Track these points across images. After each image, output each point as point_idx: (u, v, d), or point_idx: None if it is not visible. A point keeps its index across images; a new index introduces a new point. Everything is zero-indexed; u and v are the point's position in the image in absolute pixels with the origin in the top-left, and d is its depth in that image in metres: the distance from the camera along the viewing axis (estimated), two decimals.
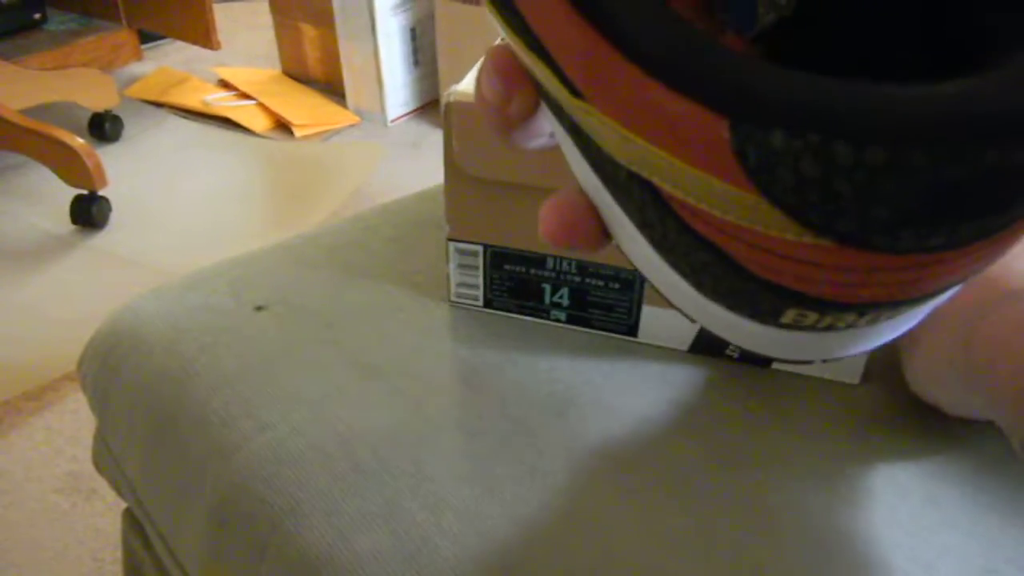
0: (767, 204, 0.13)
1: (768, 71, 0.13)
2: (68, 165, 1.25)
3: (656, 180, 0.14)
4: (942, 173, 0.12)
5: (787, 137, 0.12)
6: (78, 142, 1.24)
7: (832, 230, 0.13)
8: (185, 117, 1.62)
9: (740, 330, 0.16)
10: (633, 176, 0.15)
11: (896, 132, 0.12)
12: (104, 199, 1.28)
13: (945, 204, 0.12)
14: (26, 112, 1.33)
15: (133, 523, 0.48)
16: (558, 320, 0.43)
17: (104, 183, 1.27)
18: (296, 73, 1.77)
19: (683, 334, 0.41)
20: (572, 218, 0.18)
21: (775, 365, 0.41)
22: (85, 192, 1.27)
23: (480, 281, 0.43)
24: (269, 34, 1.83)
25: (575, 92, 0.15)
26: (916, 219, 0.12)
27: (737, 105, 0.13)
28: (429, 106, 1.68)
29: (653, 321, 0.41)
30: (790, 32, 0.18)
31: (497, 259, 0.42)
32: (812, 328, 0.15)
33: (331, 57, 1.67)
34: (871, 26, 0.17)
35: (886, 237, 0.13)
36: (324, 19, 1.64)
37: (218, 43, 1.61)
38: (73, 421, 0.93)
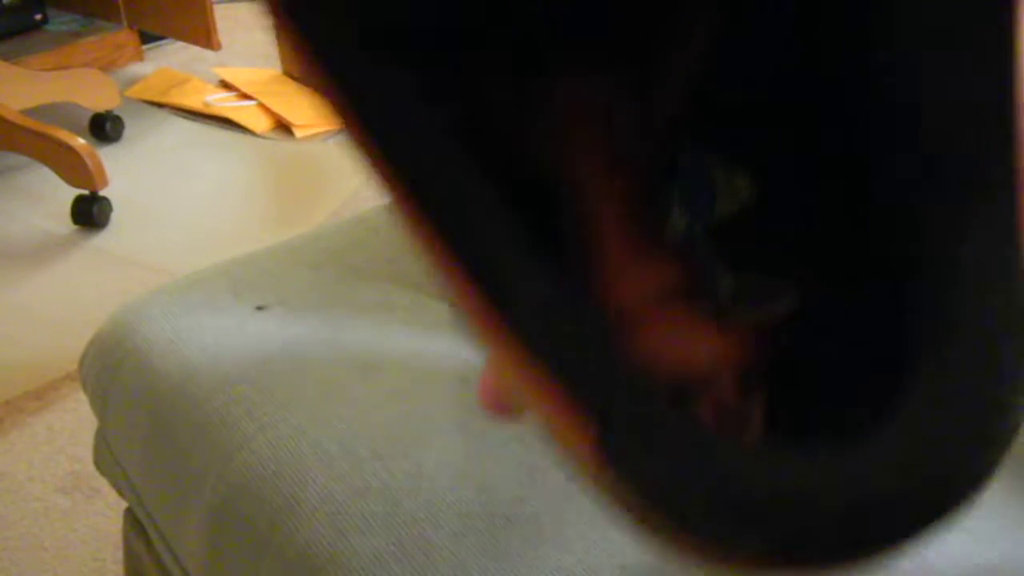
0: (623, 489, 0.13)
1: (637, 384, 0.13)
2: (69, 165, 1.25)
3: None
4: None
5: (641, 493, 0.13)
6: (79, 142, 1.25)
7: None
8: (186, 117, 1.62)
9: None
10: None
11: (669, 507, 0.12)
12: (105, 199, 1.29)
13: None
14: (27, 112, 1.33)
15: (134, 522, 0.48)
16: None
17: (105, 183, 1.27)
18: (297, 73, 1.77)
19: None
20: (500, 398, 0.19)
21: None
22: (86, 192, 1.27)
23: None
24: (269, 35, 1.83)
25: None
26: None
27: (600, 417, 0.13)
28: None
29: None
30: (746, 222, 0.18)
31: None
32: None
33: None
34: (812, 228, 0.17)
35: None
36: None
37: (219, 44, 1.61)
38: (74, 421, 0.93)
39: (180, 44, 1.88)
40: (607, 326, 0.14)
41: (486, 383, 0.18)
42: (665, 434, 0.13)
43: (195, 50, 1.87)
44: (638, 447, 0.13)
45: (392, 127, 0.14)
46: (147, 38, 1.82)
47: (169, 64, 1.83)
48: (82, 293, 1.15)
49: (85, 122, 1.52)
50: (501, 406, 0.18)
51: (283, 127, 1.60)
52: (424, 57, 0.15)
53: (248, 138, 1.55)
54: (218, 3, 1.67)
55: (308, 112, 1.63)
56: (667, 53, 0.18)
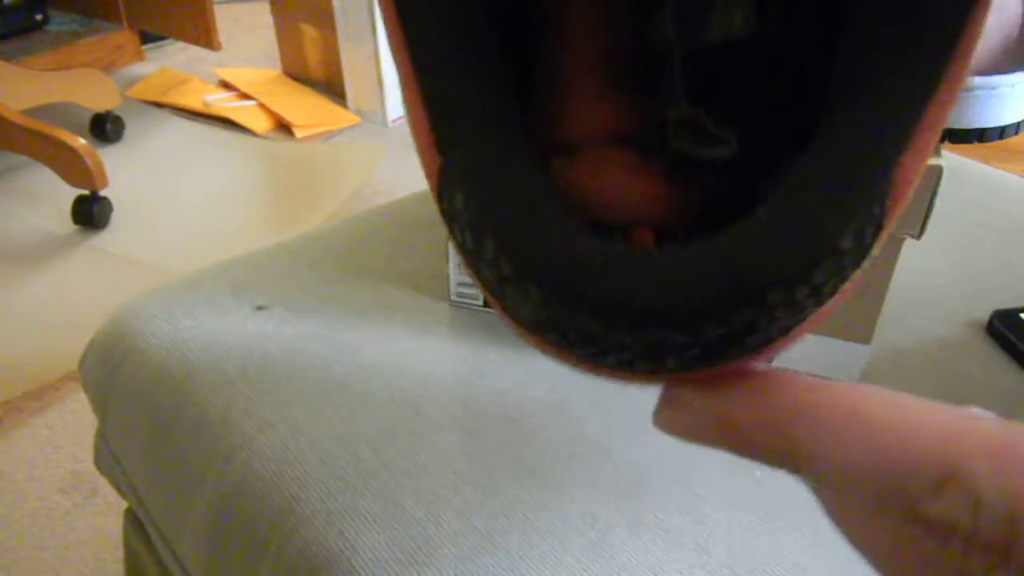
0: (451, 239, 0.14)
1: (505, 145, 0.14)
2: (69, 165, 1.26)
3: None
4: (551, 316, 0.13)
5: (463, 207, 0.13)
6: (79, 143, 1.25)
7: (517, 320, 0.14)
8: (186, 118, 1.62)
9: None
10: None
11: (523, 267, 0.13)
12: (105, 199, 1.29)
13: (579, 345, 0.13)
14: (28, 113, 1.33)
15: (134, 522, 0.48)
16: None
17: (105, 183, 1.27)
18: (297, 73, 1.77)
19: None
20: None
21: (775, 362, 0.41)
22: (86, 192, 1.27)
23: None
24: (270, 35, 1.83)
25: None
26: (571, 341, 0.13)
27: (448, 147, 0.14)
28: None
29: None
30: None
31: None
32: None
33: (332, 57, 1.67)
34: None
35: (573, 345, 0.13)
36: (325, 19, 1.64)
37: (219, 44, 1.61)
38: (74, 421, 0.93)
39: (180, 44, 1.88)
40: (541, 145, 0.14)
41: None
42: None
43: (195, 50, 1.87)
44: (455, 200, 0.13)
45: None
46: (147, 38, 1.82)
47: (169, 64, 1.83)
48: (82, 293, 1.15)
49: (85, 122, 1.52)
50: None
51: (283, 127, 1.60)
52: None
53: (248, 138, 1.55)
54: (218, 3, 1.67)
55: (308, 112, 1.62)
56: None
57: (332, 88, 1.70)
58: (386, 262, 0.47)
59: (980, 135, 0.35)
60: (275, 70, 1.80)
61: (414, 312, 0.43)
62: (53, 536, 0.80)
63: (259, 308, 0.44)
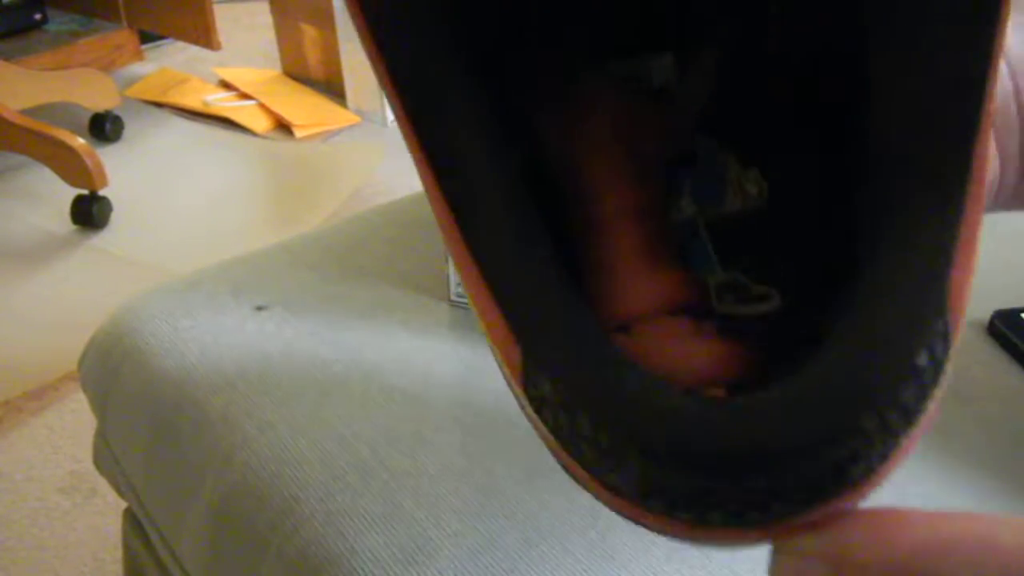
0: (544, 427, 0.15)
1: (577, 332, 0.14)
2: (69, 165, 1.25)
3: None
4: (649, 480, 0.13)
5: (551, 390, 0.14)
6: (79, 142, 1.25)
7: (600, 479, 0.14)
8: (186, 117, 1.62)
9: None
10: None
11: (624, 435, 0.13)
12: (104, 199, 1.28)
13: (660, 498, 0.13)
14: (27, 112, 1.33)
15: (134, 523, 0.48)
16: None
17: (104, 183, 1.27)
18: (296, 73, 1.77)
19: None
20: None
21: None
22: (85, 192, 1.27)
23: None
24: (269, 34, 1.83)
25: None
26: (650, 494, 0.13)
27: (527, 339, 0.14)
28: None
29: None
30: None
31: None
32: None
33: (331, 57, 1.67)
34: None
35: (642, 499, 0.14)
36: (325, 19, 1.64)
37: (218, 43, 1.61)
38: (74, 421, 0.93)
39: (180, 44, 1.88)
40: (596, 328, 0.15)
41: None
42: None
43: (195, 50, 1.87)
44: (542, 383, 0.14)
45: (433, 109, 0.16)
46: (147, 38, 1.82)
47: (169, 64, 1.83)
48: (81, 293, 1.15)
49: (85, 122, 1.52)
50: None
51: (283, 127, 1.60)
52: (465, 35, 0.17)
53: (248, 138, 1.55)
54: (218, 3, 1.67)
55: (308, 112, 1.62)
56: (696, 55, 0.19)
57: (332, 88, 1.70)
58: (386, 262, 0.47)
59: None
60: (275, 70, 1.80)
61: (414, 312, 0.43)
62: (52, 536, 0.80)
63: (259, 308, 0.44)
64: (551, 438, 0.15)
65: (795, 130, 0.19)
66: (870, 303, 0.14)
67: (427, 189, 0.17)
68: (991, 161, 0.21)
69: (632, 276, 0.17)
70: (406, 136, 0.17)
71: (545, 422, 0.14)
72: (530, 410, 0.15)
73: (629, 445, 0.13)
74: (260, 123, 1.60)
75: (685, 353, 0.16)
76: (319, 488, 0.34)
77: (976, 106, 0.14)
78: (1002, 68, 0.21)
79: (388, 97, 0.17)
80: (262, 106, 1.64)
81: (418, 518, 0.32)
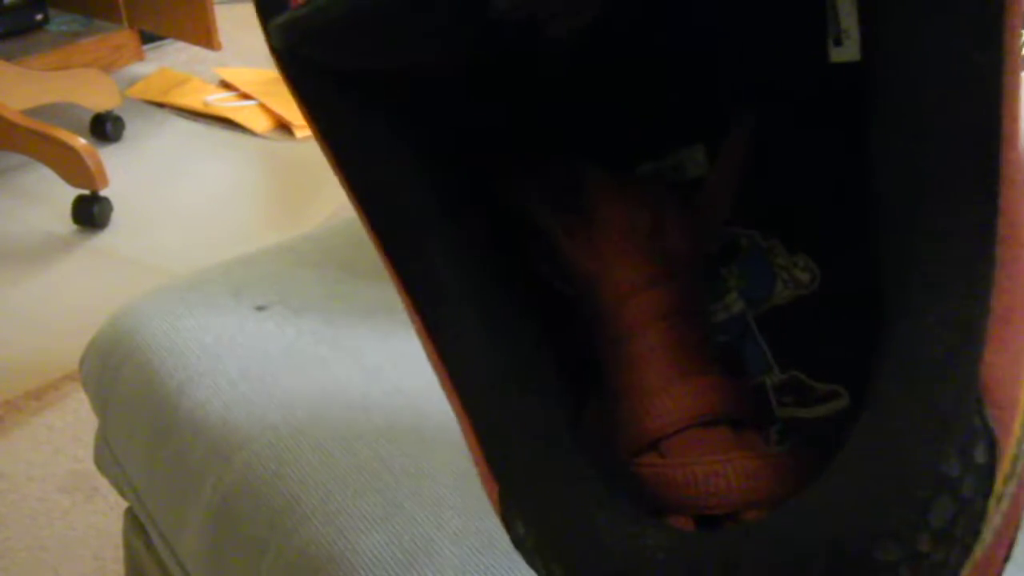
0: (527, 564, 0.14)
1: (551, 474, 0.14)
2: (70, 165, 1.25)
3: None
4: None
5: (525, 531, 0.14)
6: (80, 142, 1.25)
7: None
8: (186, 118, 1.62)
9: None
10: None
11: None
12: (105, 199, 1.29)
13: None
14: (28, 112, 1.33)
15: (134, 522, 0.48)
16: None
17: (105, 183, 1.27)
18: None
19: None
20: None
21: None
22: (87, 192, 1.27)
23: None
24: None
25: None
26: None
27: (504, 480, 0.14)
28: None
29: None
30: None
31: None
32: None
33: None
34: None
35: None
36: None
37: (219, 44, 1.61)
38: (75, 420, 0.93)
39: (180, 44, 1.88)
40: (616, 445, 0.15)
41: None
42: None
43: (195, 50, 1.87)
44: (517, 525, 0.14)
45: (415, 239, 0.16)
46: (147, 38, 1.82)
47: (170, 64, 1.83)
48: (82, 293, 1.15)
49: (86, 122, 1.52)
50: None
51: (284, 127, 1.60)
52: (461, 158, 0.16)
53: (249, 138, 1.55)
54: (219, 3, 1.67)
55: None
56: (727, 143, 0.18)
57: None
58: None
59: None
60: (275, 70, 1.80)
61: None
62: (53, 535, 0.80)
63: (260, 308, 0.44)
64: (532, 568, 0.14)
65: (837, 208, 0.17)
66: (883, 403, 0.11)
67: (409, 313, 0.16)
68: None
69: (661, 389, 0.16)
70: (391, 276, 0.16)
71: (525, 559, 0.14)
72: (511, 542, 0.14)
73: None
74: (261, 123, 1.60)
75: (714, 472, 0.15)
76: (319, 488, 0.34)
77: (986, 162, 0.12)
78: None
79: (374, 244, 0.16)
80: (263, 106, 1.64)
81: (418, 518, 0.32)
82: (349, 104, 0.16)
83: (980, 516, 0.11)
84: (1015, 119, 0.12)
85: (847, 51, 0.16)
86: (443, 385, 0.15)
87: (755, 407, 0.16)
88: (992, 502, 0.11)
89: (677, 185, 0.19)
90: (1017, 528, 0.12)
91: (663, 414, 0.16)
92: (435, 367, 0.16)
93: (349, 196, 0.16)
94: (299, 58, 0.16)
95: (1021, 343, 0.11)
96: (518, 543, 0.14)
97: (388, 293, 0.45)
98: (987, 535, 0.11)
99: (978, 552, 0.11)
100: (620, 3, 0.17)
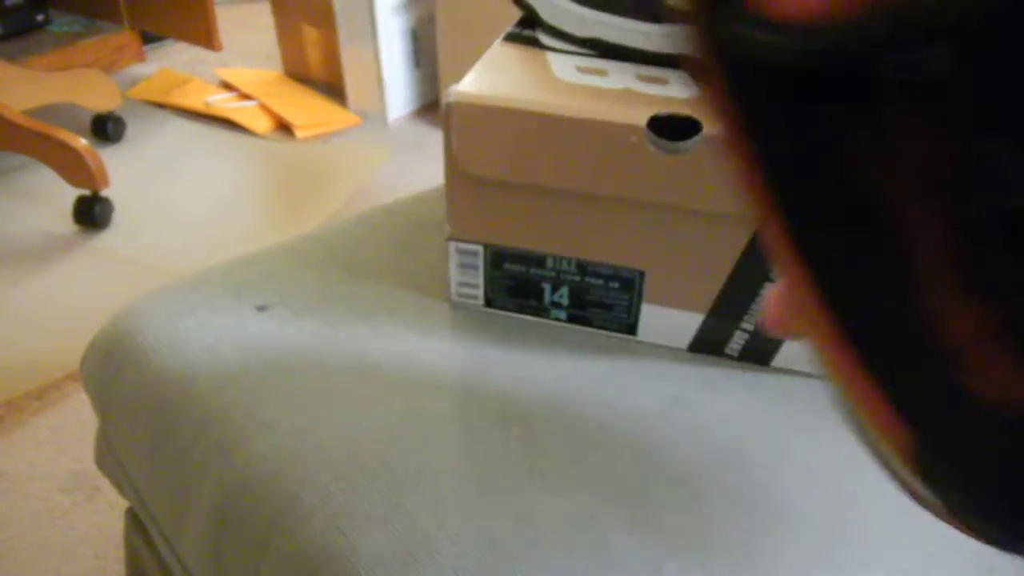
0: (937, 500, 0.14)
1: (954, 398, 0.14)
2: (71, 166, 1.26)
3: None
4: None
5: (952, 473, 0.13)
6: (81, 143, 1.25)
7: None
8: (187, 118, 1.62)
9: None
10: None
11: None
12: (107, 200, 1.29)
13: None
14: (29, 113, 1.33)
15: (135, 522, 0.48)
16: (558, 319, 0.43)
17: (107, 184, 1.27)
18: (298, 74, 1.77)
19: (682, 333, 0.41)
20: (783, 320, 0.19)
21: (774, 363, 0.41)
22: (88, 193, 1.27)
23: (481, 280, 0.43)
24: (271, 35, 1.83)
25: None
26: None
27: (920, 423, 0.14)
28: (430, 107, 1.68)
29: (652, 320, 0.41)
30: None
31: (497, 258, 0.42)
32: None
33: (332, 58, 1.67)
34: None
35: None
36: (325, 20, 1.64)
37: (220, 44, 1.61)
38: (76, 420, 0.93)
39: (181, 45, 1.88)
40: (940, 359, 0.14)
41: (775, 302, 0.19)
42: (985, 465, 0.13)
43: (196, 51, 1.87)
44: (956, 472, 0.13)
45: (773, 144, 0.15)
46: (148, 39, 1.82)
47: (170, 65, 1.83)
48: (83, 293, 1.15)
49: (87, 123, 1.52)
50: (783, 326, 0.19)
51: (284, 128, 1.60)
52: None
53: (249, 139, 1.56)
54: (219, 4, 1.67)
55: (309, 113, 1.63)
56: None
57: (333, 89, 1.71)
58: (387, 262, 0.47)
59: None
60: (276, 71, 1.80)
61: (415, 312, 0.44)
62: (54, 535, 0.80)
63: (260, 308, 0.44)
64: (947, 516, 0.14)
65: None
66: None
67: (800, 285, 0.16)
68: None
69: (947, 308, 0.16)
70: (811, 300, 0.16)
71: (945, 502, 0.14)
72: (926, 491, 0.14)
73: None
74: (261, 124, 1.60)
75: (1009, 381, 0.15)
76: (320, 487, 0.34)
77: None
78: None
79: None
80: (263, 107, 1.65)
81: (419, 517, 0.32)
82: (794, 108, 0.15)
83: None
84: None
85: None
86: (828, 341, 0.15)
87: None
88: None
89: None
90: None
91: (956, 331, 0.16)
92: (816, 316, 0.15)
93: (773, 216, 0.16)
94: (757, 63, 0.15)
95: None
96: (942, 484, 0.14)
97: (389, 293, 0.45)
98: None
99: None
100: None
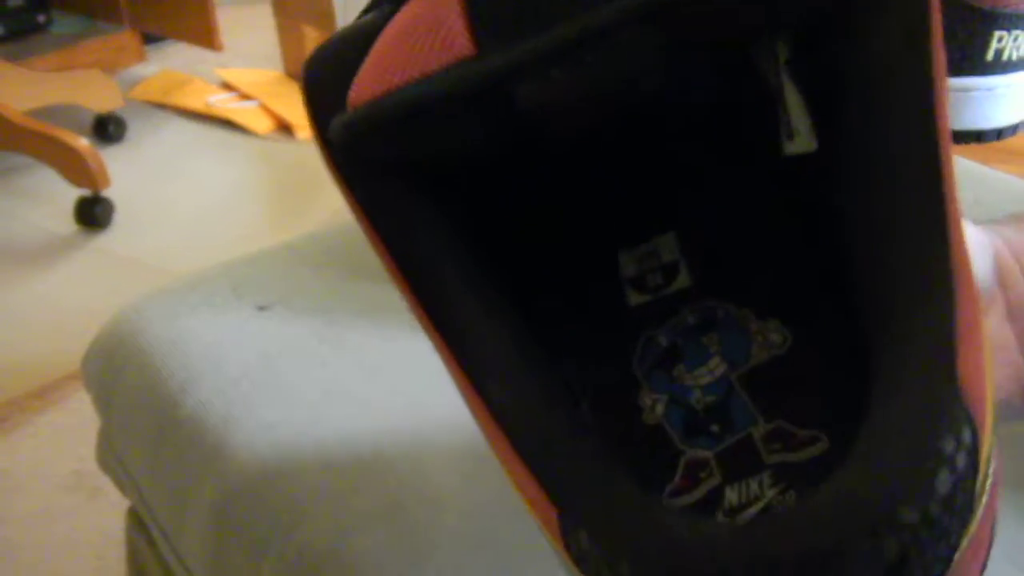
0: None
1: (603, 485, 0.15)
2: (72, 166, 1.26)
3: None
4: None
5: (589, 542, 0.14)
6: (82, 143, 1.25)
7: None
8: (188, 118, 1.62)
9: None
10: None
11: (666, 569, 0.13)
12: (107, 200, 1.29)
13: None
14: (30, 114, 1.33)
15: (137, 521, 0.48)
16: None
17: (107, 184, 1.27)
18: (298, 74, 1.76)
19: None
20: None
21: None
22: (89, 193, 1.27)
23: None
24: (271, 36, 1.83)
25: None
26: None
27: (563, 503, 0.15)
28: None
29: None
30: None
31: None
32: None
33: None
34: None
35: None
36: (326, 21, 1.64)
37: (221, 45, 1.61)
38: (77, 420, 0.93)
39: (182, 45, 1.88)
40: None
41: None
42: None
43: (197, 51, 1.87)
44: (580, 537, 0.15)
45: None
46: (149, 39, 1.82)
47: (171, 65, 1.83)
48: (84, 293, 1.15)
49: (88, 123, 1.52)
50: None
51: (285, 128, 1.60)
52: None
53: (250, 139, 1.56)
54: (220, 5, 1.67)
55: None
56: (695, 231, 0.22)
57: None
58: None
59: (978, 136, 0.35)
60: (277, 71, 1.80)
61: None
62: (55, 534, 0.80)
63: (261, 308, 0.44)
64: None
65: (800, 276, 0.19)
66: (882, 409, 0.14)
67: (440, 352, 0.18)
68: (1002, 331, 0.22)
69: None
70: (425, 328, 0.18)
71: (587, 572, 0.15)
72: (573, 568, 0.15)
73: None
74: (262, 124, 1.60)
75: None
76: (320, 487, 0.34)
77: (939, 219, 0.15)
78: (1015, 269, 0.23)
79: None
80: (264, 107, 1.65)
81: (419, 517, 0.33)
82: (394, 190, 0.19)
83: (971, 490, 0.13)
84: (951, 174, 0.15)
85: (799, 145, 0.19)
86: (490, 436, 0.18)
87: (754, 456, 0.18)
88: (979, 480, 0.13)
89: (657, 268, 0.22)
90: (995, 518, 0.14)
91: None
92: (477, 412, 0.17)
93: (393, 275, 0.19)
94: (353, 152, 0.19)
95: (980, 347, 0.14)
96: (582, 557, 0.15)
97: (389, 293, 0.45)
98: (978, 511, 0.13)
99: (973, 526, 0.13)
100: (610, 116, 0.20)
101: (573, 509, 0.15)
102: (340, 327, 0.42)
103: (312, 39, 1.70)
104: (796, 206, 0.20)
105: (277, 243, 0.50)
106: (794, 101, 0.18)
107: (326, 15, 1.62)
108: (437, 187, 0.19)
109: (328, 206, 1.35)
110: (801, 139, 0.19)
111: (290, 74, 1.77)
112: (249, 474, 0.36)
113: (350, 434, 0.36)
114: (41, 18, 1.65)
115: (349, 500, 0.33)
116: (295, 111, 1.62)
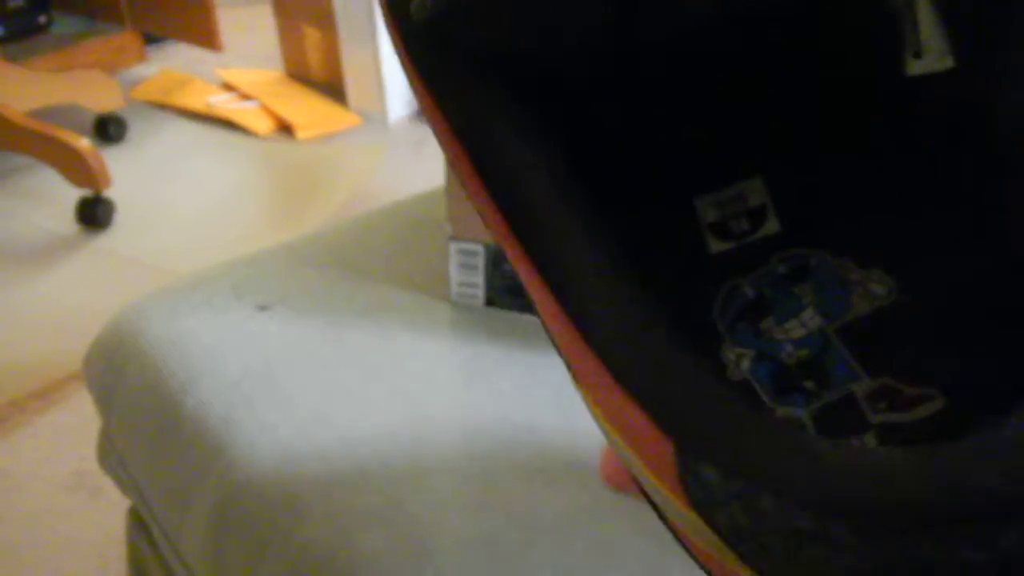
0: (709, 531, 0.13)
1: (728, 408, 0.13)
2: (73, 166, 1.26)
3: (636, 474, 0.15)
4: (867, 555, 0.11)
5: (720, 478, 0.12)
6: (83, 143, 1.25)
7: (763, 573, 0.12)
8: (189, 119, 1.63)
9: None
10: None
11: (824, 502, 0.11)
12: (108, 200, 1.29)
13: None
14: (32, 114, 1.33)
15: (138, 521, 0.48)
16: None
17: (108, 184, 1.27)
18: (298, 75, 1.77)
19: None
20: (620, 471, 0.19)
21: None
22: (90, 193, 1.27)
23: (481, 280, 0.43)
24: (272, 36, 1.83)
25: (575, 376, 0.16)
26: None
27: (681, 432, 0.13)
28: None
29: None
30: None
31: (498, 258, 0.42)
32: None
33: (333, 59, 1.68)
34: None
35: None
36: (327, 21, 1.64)
37: (221, 45, 1.61)
38: (78, 420, 0.93)
39: (183, 46, 1.89)
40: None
41: (609, 465, 0.20)
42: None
43: (198, 52, 1.87)
44: (707, 474, 0.13)
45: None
46: (150, 40, 1.82)
47: (172, 66, 1.83)
48: (86, 293, 1.15)
49: (89, 123, 1.52)
50: (624, 483, 0.20)
51: (285, 128, 1.60)
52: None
53: (250, 139, 1.56)
54: (221, 5, 1.67)
55: (310, 114, 1.63)
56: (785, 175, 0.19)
57: (333, 89, 1.71)
58: (387, 262, 0.48)
59: None
60: (277, 71, 1.81)
61: (415, 312, 0.44)
62: (57, 534, 0.81)
63: (261, 308, 0.44)
64: (723, 540, 0.13)
65: (911, 218, 0.17)
66: None
67: (541, 305, 0.16)
68: None
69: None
70: (525, 274, 0.16)
71: (715, 521, 0.13)
72: (688, 512, 0.13)
73: (831, 519, 0.11)
74: (262, 125, 1.60)
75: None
76: (320, 487, 0.34)
77: None
78: None
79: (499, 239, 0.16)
80: (265, 108, 1.65)
81: (419, 517, 0.33)
82: (484, 86, 0.16)
83: None
84: None
85: (929, 64, 0.16)
86: (581, 364, 0.15)
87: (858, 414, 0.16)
88: None
89: (743, 213, 0.19)
90: None
91: None
92: (565, 337, 0.15)
93: (469, 179, 0.16)
94: (440, 36, 0.16)
95: None
96: (706, 497, 0.13)
97: (390, 293, 0.45)
98: None
99: None
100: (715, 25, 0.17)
101: (696, 439, 0.13)
102: (340, 327, 0.43)
103: (313, 40, 1.70)
104: (910, 138, 0.18)
105: (277, 243, 0.50)
106: (927, 13, 0.16)
107: (326, 16, 1.62)
108: (526, 91, 0.16)
109: (328, 207, 1.35)
110: (932, 56, 0.16)
111: (290, 75, 1.77)
112: (249, 474, 0.36)
113: (349, 434, 0.36)
114: (42, 19, 1.66)
115: (348, 499, 0.33)
116: (295, 111, 1.62)
